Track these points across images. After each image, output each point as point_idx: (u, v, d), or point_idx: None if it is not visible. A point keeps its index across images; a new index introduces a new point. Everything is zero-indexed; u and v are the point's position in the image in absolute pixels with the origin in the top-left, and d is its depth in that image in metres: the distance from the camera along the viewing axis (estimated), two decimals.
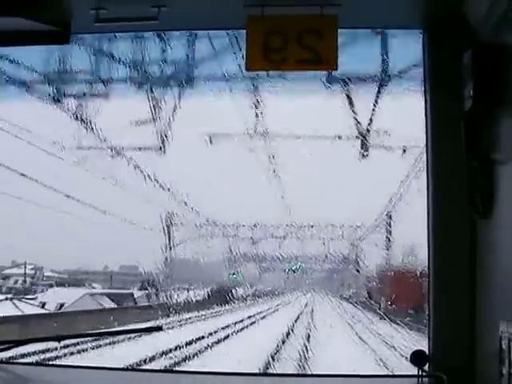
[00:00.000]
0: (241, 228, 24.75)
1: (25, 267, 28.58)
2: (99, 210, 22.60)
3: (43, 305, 26.02)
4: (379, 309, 21.71)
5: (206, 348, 18.26)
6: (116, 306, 26.68)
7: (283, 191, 21.75)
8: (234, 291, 27.05)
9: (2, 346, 4.05)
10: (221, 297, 26.92)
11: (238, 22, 3.79)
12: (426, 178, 3.89)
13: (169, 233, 24.77)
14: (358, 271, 24.57)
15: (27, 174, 20.36)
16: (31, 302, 26.43)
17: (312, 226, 23.71)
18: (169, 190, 21.41)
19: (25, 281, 28.77)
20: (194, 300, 25.72)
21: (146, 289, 28.32)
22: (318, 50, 3.66)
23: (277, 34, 3.70)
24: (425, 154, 3.91)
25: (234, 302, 26.94)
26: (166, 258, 24.77)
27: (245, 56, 3.78)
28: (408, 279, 16.25)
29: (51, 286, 28.81)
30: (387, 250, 21.76)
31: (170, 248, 24.60)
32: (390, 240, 21.73)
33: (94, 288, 29.75)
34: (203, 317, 24.94)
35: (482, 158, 3.45)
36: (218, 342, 19.40)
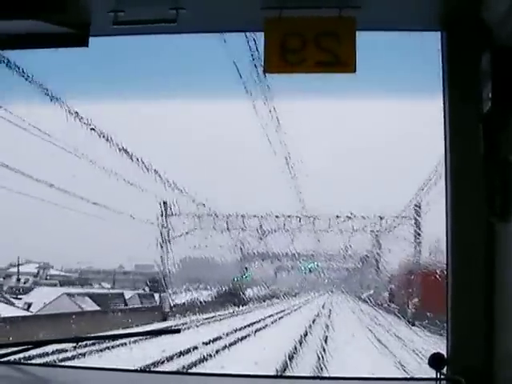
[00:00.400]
0: (249, 220, 23.02)
1: (18, 265, 27.82)
2: (115, 211, 22.59)
3: (29, 306, 24.72)
4: (404, 315, 20.18)
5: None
6: (98, 307, 24.90)
7: (296, 179, 20.51)
8: (244, 292, 26.01)
9: (20, 348, 4.07)
10: (228, 299, 25.83)
11: (255, 24, 3.80)
12: (444, 180, 3.88)
13: (164, 226, 23.40)
14: (379, 270, 22.73)
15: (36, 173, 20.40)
16: (16, 302, 25.20)
17: (329, 219, 21.87)
18: (159, 178, 20.50)
19: (18, 279, 27.98)
20: (197, 302, 24.16)
21: (152, 289, 27.34)
22: (337, 52, 3.66)
23: (295, 36, 3.70)
24: (443, 155, 3.89)
25: (244, 305, 25.84)
26: (167, 256, 23.70)
27: (263, 58, 3.79)
28: (435, 280, 14.81)
29: (55, 285, 28.03)
30: (414, 245, 20.08)
31: (167, 242, 23.55)
32: (417, 234, 20.13)
33: (103, 287, 29.22)
34: (207, 320, 23.42)
35: (500, 160, 3.44)
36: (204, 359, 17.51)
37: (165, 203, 23.28)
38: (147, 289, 28.15)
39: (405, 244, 20.68)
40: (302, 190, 20.78)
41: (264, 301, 26.60)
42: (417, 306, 19.37)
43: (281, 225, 22.67)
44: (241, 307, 25.77)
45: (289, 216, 22.54)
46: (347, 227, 21.88)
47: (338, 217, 21.84)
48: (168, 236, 23.65)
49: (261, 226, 23.09)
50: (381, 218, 21.94)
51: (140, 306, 26.33)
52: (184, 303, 24.40)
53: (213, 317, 23.96)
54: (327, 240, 22.27)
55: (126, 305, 26.41)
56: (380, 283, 23.35)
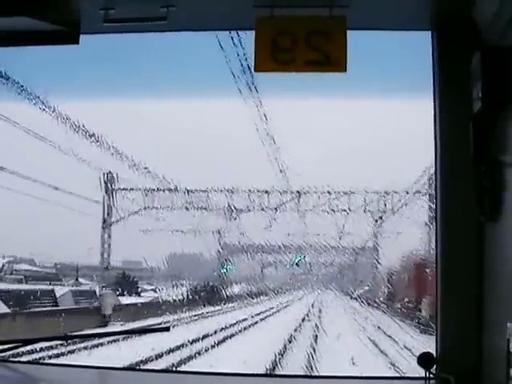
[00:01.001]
0: (215, 195, 19.89)
1: None
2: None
3: None
4: (414, 318, 17.24)
5: None
6: (7, 309, 19.91)
7: (275, 143, 18.95)
8: (220, 290, 22.94)
9: (10, 345, 4.06)
10: (200, 297, 22.21)
11: (246, 22, 3.81)
12: (434, 179, 3.90)
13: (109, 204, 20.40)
14: (378, 263, 19.18)
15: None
16: None
17: (322, 193, 18.71)
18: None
19: None
20: (160, 300, 20.56)
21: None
22: (327, 51, 3.67)
23: (285, 35, 3.71)
24: (433, 154, 3.91)
25: (220, 304, 22.40)
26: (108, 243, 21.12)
27: (253, 57, 3.79)
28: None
29: (19, 281, 25.69)
30: (427, 228, 16.91)
31: (107, 227, 20.57)
32: (433, 215, 17.01)
33: (81, 284, 26.91)
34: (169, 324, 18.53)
35: (489, 159, 3.46)
36: None
37: (110, 174, 20.22)
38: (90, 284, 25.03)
39: (414, 227, 17.46)
40: (282, 151, 18.94)
41: (240, 300, 23.46)
42: (428, 309, 16.89)
43: (253, 200, 19.74)
44: (214, 307, 22.62)
45: (268, 193, 19.59)
46: (346, 201, 18.77)
47: (329, 193, 18.63)
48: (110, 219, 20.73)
49: (229, 204, 20.18)
50: (386, 194, 18.41)
51: (74, 306, 21.92)
52: (142, 303, 21.14)
53: (177, 320, 19.76)
54: (317, 223, 19.52)
55: (57, 305, 21.93)
56: (379, 278, 20.30)
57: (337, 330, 18.88)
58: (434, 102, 3.90)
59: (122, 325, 18.97)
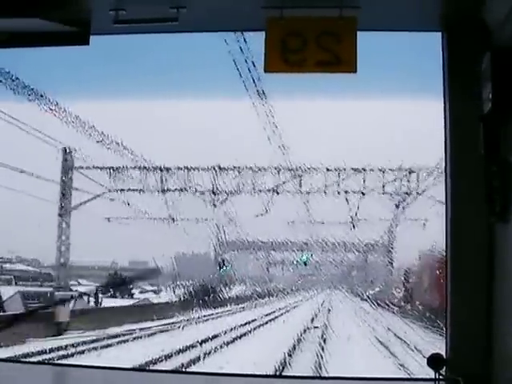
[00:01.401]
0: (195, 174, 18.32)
1: None
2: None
3: None
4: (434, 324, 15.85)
5: None
6: None
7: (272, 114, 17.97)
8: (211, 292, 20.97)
9: None
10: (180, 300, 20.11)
11: (256, 23, 3.81)
12: (444, 180, 3.89)
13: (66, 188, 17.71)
14: (391, 263, 17.21)
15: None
16: None
17: (326, 170, 17.29)
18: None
19: None
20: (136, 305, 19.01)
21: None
22: (337, 52, 3.67)
23: (296, 36, 3.72)
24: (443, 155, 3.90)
25: (204, 308, 20.08)
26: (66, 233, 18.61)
27: (263, 57, 3.79)
28: None
29: (8, 281, 24.30)
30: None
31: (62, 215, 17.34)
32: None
33: (80, 284, 25.54)
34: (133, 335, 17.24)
35: (500, 160, 3.46)
36: None
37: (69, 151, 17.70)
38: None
39: (434, 220, 16.08)
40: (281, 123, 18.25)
41: (239, 302, 22.06)
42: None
43: (246, 180, 18.37)
44: (212, 309, 20.99)
45: (263, 171, 18.07)
46: (358, 180, 17.32)
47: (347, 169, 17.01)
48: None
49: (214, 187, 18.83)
50: (408, 173, 16.83)
51: (22, 311, 18.53)
52: (125, 306, 19.61)
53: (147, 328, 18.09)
54: (323, 207, 18.24)
55: (3, 310, 19.17)
56: (393, 278, 18.79)
57: (347, 332, 18.38)
58: (444, 102, 3.90)
59: (81, 333, 16.81)
